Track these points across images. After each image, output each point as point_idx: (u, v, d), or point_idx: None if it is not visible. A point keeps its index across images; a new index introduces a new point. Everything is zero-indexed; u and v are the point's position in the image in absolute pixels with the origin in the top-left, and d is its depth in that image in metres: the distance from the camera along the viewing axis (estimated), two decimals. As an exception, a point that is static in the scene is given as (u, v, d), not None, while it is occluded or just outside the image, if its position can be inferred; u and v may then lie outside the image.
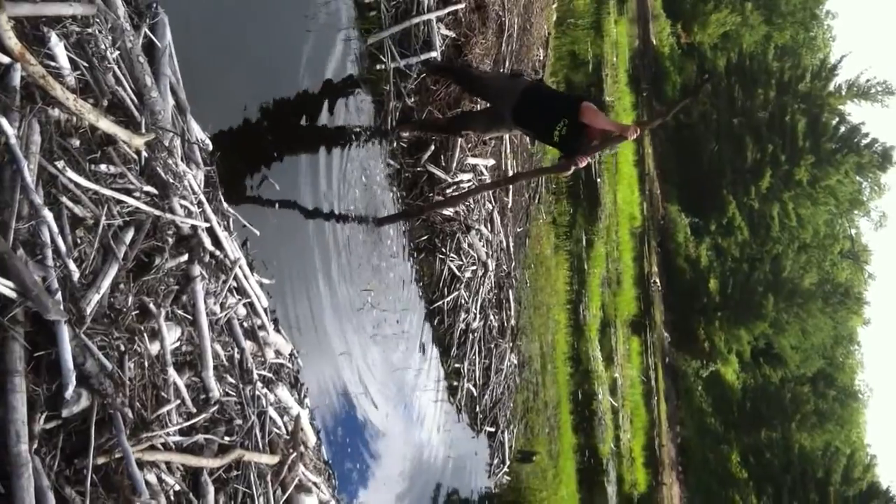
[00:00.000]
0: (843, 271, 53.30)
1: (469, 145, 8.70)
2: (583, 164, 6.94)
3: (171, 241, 4.03)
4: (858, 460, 47.09)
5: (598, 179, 22.11)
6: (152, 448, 3.67)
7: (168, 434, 3.80)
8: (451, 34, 8.09)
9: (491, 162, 9.40)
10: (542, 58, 12.32)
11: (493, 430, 10.45)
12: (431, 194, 8.26)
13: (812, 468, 45.10)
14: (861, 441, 55.88)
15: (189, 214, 4.19)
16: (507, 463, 11.01)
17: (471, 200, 8.96)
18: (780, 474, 45.66)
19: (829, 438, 49.54)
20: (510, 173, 10.58)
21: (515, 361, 11.32)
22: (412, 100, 7.63)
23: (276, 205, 5.84)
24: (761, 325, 46.45)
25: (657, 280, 40.44)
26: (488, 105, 7.72)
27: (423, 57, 7.59)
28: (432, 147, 8.04)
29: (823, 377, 54.42)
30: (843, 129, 48.11)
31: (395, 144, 7.66)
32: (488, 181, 9.35)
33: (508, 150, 10.40)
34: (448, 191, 8.47)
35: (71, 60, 3.44)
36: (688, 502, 42.67)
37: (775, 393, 51.96)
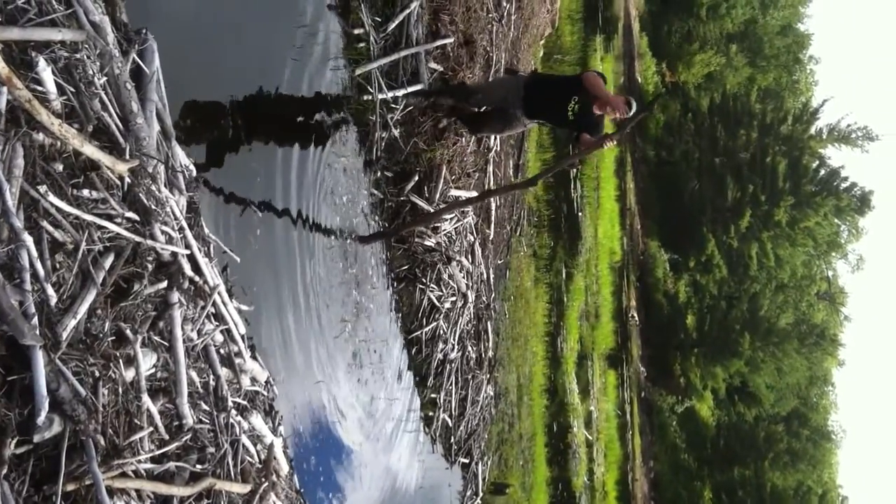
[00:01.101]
0: (819, 312, 53.65)
1: (452, 177, 8.74)
2: (611, 144, 7.03)
3: (150, 267, 4.02)
4: (830, 501, 47.31)
5: (580, 213, 22.22)
6: (123, 475, 3.64)
7: (139, 461, 3.76)
8: (439, 68, 8.16)
9: (474, 194, 9.44)
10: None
11: (466, 461, 10.42)
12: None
13: (784, 508, 45.23)
14: (833, 481, 56.01)
15: (170, 240, 4.18)
16: (480, 495, 10.96)
17: (453, 232, 8.99)
18: (753, 513, 45.79)
19: (801, 478, 49.71)
20: (493, 207, 10.65)
21: (492, 393, 11.31)
22: (398, 131, 7.67)
23: (258, 231, 5.83)
24: (737, 362, 46.67)
25: (635, 314, 40.61)
26: (495, 109, 7.91)
27: (410, 89, 7.65)
28: (416, 178, 8.08)
29: (797, 417, 54.66)
30: (822, 172, 48.68)
31: (379, 174, 7.69)
32: (471, 214, 9.40)
33: (492, 182, 10.46)
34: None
35: (58, 85, 3.45)
36: (660, 538, 42.59)
37: (749, 431, 52.18)
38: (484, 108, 8.11)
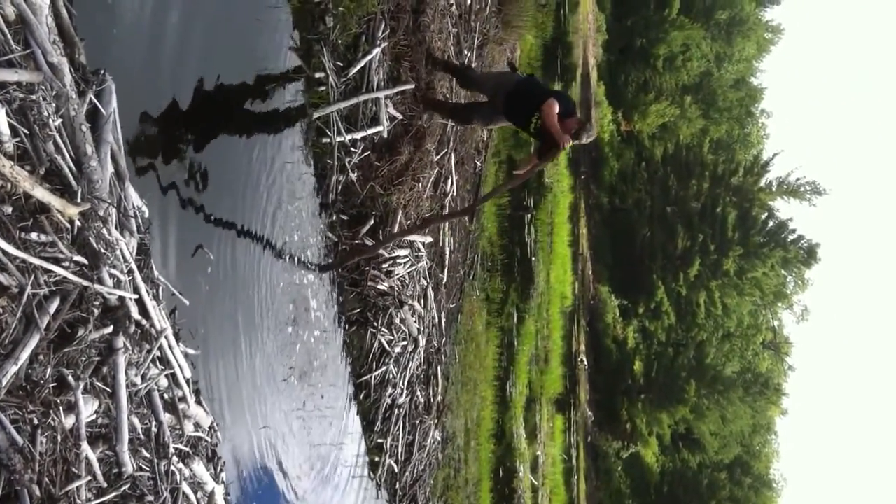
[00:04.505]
0: (764, 361, 54.50)
1: (408, 221, 8.74)
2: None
3: (96, 311, 3.94)
4: (770, 550, 47.59)
5: (533, 258, 22.32)
6: (57, 527, 3.54)
7: (75, 512, 3.66)
8: (399, 115, 8.19)
9: (429, 239, 9.46)
10: (485, 138, 12.51)
11: (411, 508, 10.30)
12: (367, 268, 8.28)
13: (725, 556, 45.45)
14: (773, 531, 56.52)
15: (118, 284, 4.10)
16: (424, 543, 10.84)
17: (406, 276, 8.98)
18: (694, 562, 45.94)
19: (742, 526, 50.04)
20: (447, 251, 10.66)
21: (439, 438, 11.23)
22: (355, 174, 7.67)
23: (209, 273, 5.75)
24: (682, 409, 47.10)
25: (584, 359, 40.80)
26: (487, 99, 8.34)
27: (370, 131, 7.67)
28: (371, 221, 8.06)
29: (740, 464, 55.21)
30: (771, 223, 49.77)
31: (334, 217, 7.66)
32: (425, 259, 9.40)
33: (447, 229, 10.49)
34: (384, 265, 8.51)
35: (11, 127, 3.38)
36: (601, 586, 42.45)
37: (693, 478, 52.57)
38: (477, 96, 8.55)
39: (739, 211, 48.23)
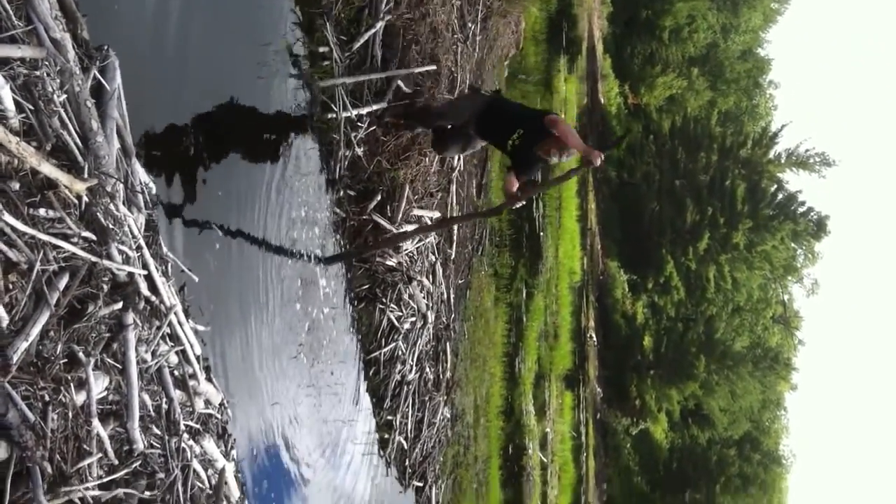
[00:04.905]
0: (774, 336, 54.34)
1: (416, 196, 8.72)
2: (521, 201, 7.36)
3: (106, 287, 3.93)
4: (779, 527, 47.70)
5: (542, 233, 22.28)
6: (70, 503, 3.55)
7: (87, 488, 3.67)
8: (404, 87, 8.15)
9: (436, 214, 9.42)
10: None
11: (421, 484, 10.33)
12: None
13: (734, 532, 45.60)
14: (782, 507, 56.61)
15: (127, 260, 4.10)
16: (433, 519, 10.87)
17: (414, 252, 8.96)
18: (703, 536, 46.11)
19: (751, 502, 50.09)
20: (456, 226, 10.64)
21: (448, 415, 11.25)
22: (361, 149, 7.64)
23: (217, 250, 5.75)
24: (692, 385, 47.07)
25: (593, 335, 40.80)
26: (457, 128, 7.85)
27: (375, 107, 7.64)
28: (379, 197, 8.04)
29: (749, 440, 55.18)
30: (780, 196, 49.43)
31: (341, 193, 7.64)
32: (433, 234, 9.38)
33: (454, 203, 10.46)
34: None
35: (16, 103, 3.37)
36: (611, 561, 42.69)
37: (702, 454, 52.61)
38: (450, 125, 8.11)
39: (748, 183, 47.95)
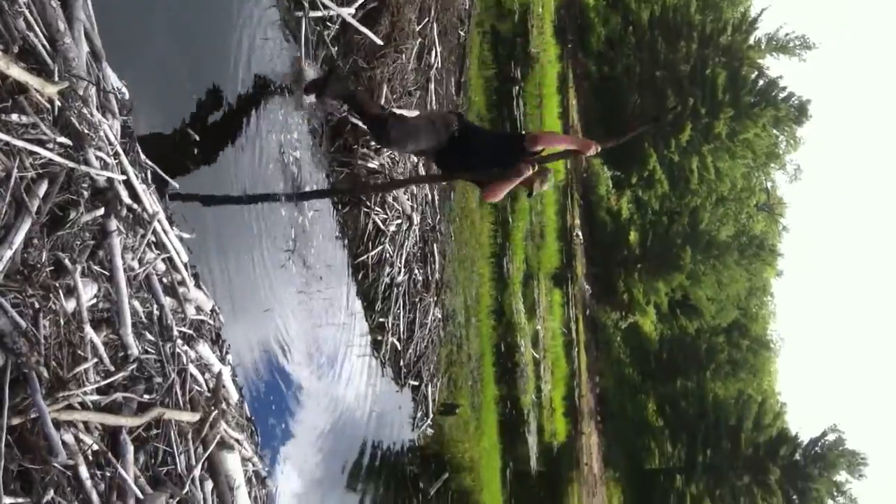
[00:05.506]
0: (758, 224, 54.79)
1: (394, 96, 8.59)
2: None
3: (86, 194, 3.88)
4: (769, 408, 48.96)
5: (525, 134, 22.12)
6: (69, 407, 3.57)
7: (85, 393, 3.69)
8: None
9: (415, 113, 9.30)
10: (467, 6, 12.21)
11: (416, 383, 10.49)
12: (356, 146, 8.18)
13: (725, 416, 46.79)
14: (772, 389, 58.04)
15: (105, 166, 4.03)
16: (431, 416, 11.07)
17: (396, 154, 8.88)
18: (695, 422, 47.34)
19: (741, 387, 51.36)
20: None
21: (439, 315, 11.35)
22: (335, 49, 7.49)
23: (196, 156, 5.68)
24: (678, 276, 47.54)
25: (579, 233, 41.02)
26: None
27: (344, 10, 7.41)
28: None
29: (737, 327, 56.16)
30: (761, 82, 49.13)
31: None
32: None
33: (434, 102, 10.33)
34: (373, 143, 8.39)
35: (-23, 4, 3.26)
36: (606, 450, 43.83)
37: (691, 343, 53.53)
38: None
39: (729, 71, 47.52)
